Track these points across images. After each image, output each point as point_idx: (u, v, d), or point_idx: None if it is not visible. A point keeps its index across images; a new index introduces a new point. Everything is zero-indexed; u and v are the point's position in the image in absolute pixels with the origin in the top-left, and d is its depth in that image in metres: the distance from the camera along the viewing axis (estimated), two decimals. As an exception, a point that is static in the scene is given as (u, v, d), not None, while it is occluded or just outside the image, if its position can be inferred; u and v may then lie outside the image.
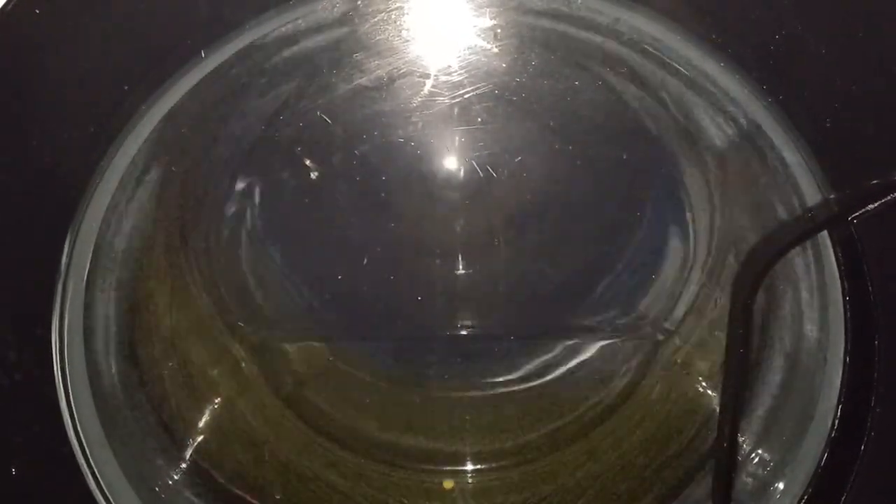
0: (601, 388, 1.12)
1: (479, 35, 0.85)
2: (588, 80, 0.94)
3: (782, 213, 0.83)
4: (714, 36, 0.72)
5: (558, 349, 1.14)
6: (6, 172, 0.73)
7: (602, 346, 1.13)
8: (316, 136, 0.99)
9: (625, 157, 1.03)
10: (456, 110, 0.94)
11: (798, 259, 0.86)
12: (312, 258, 1.11)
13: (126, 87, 0.71)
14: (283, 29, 0.79)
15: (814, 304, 0.85)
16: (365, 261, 1.07)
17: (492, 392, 1.15)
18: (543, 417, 1.13)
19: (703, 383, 1.04)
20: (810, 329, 0.86)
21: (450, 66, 0.89)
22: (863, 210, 0.73)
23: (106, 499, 0.82)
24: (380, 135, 0.98)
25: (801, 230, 0.79)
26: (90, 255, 0.81)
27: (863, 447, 0.77)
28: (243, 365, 1.09)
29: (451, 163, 1.01)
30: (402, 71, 0.89)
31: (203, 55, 0.72)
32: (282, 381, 1.11)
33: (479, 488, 1.09)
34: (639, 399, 1.10)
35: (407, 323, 1.11)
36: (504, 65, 0.90)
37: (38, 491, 0.79)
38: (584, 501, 1.04)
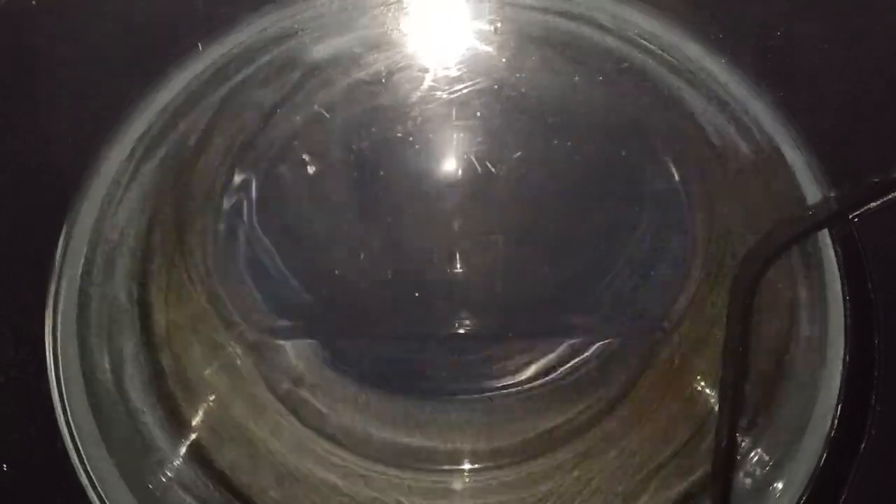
0: (598, 388, 1.12)
1: (478, 30, 0.85)
2: (587, 77, 0.94)
3: (782, 211, 0.83)
4: (714, 33, 0.72)
5: (556, 348, 1.14)
6: (0, 168, 0.72)
7: (600, 346, 1.13)
8: (314, 131, 0.99)
9: (623, 153, 1.03)
10: (454, 105, 0.94)
11: (797, 257, 0.85)
12: (309, 254, 1.10)
13: (122, 81, 0.71)
14: (282, 23, 0.78)
15: (813, 302, 0.84)
16: (362, 257, 1.06)
17: (489, 391, 1.15)
18: (541, 417, 1.12)
19: (702, 382, 1.04)
20: (809, 327, 0.86)
21: (448, 61, 0.89)
22: (863, 208, 0.72)
23: (99, 496, 0.82)
24: (378, 130, 0.98)
25: (801, 228, 0.78)
26: (84, 251, 0.80)
27: (862, 447, 0.77)
28: (239, 363, 1.08)
29: (449, 158, 1.01)
30: (400, 65, 0.89)
31: (200, 49, 0.72)
32: (278, 380, 1.10)
33: (476, 487, 1.08)
34: (636, 398, 1.09)
35: (404, 321, 1.10)
36: (503, 60, 0.90)
37: (32, 488, 0.79)
38: (581, 501, 1.03)
